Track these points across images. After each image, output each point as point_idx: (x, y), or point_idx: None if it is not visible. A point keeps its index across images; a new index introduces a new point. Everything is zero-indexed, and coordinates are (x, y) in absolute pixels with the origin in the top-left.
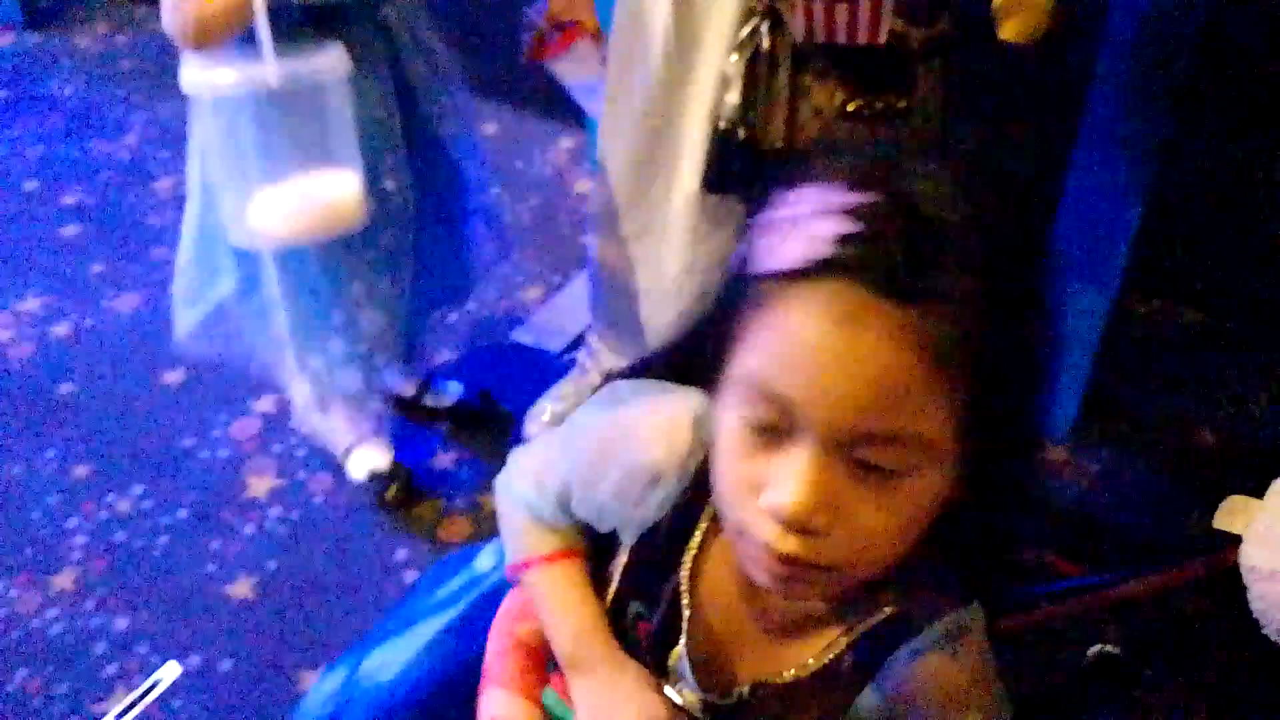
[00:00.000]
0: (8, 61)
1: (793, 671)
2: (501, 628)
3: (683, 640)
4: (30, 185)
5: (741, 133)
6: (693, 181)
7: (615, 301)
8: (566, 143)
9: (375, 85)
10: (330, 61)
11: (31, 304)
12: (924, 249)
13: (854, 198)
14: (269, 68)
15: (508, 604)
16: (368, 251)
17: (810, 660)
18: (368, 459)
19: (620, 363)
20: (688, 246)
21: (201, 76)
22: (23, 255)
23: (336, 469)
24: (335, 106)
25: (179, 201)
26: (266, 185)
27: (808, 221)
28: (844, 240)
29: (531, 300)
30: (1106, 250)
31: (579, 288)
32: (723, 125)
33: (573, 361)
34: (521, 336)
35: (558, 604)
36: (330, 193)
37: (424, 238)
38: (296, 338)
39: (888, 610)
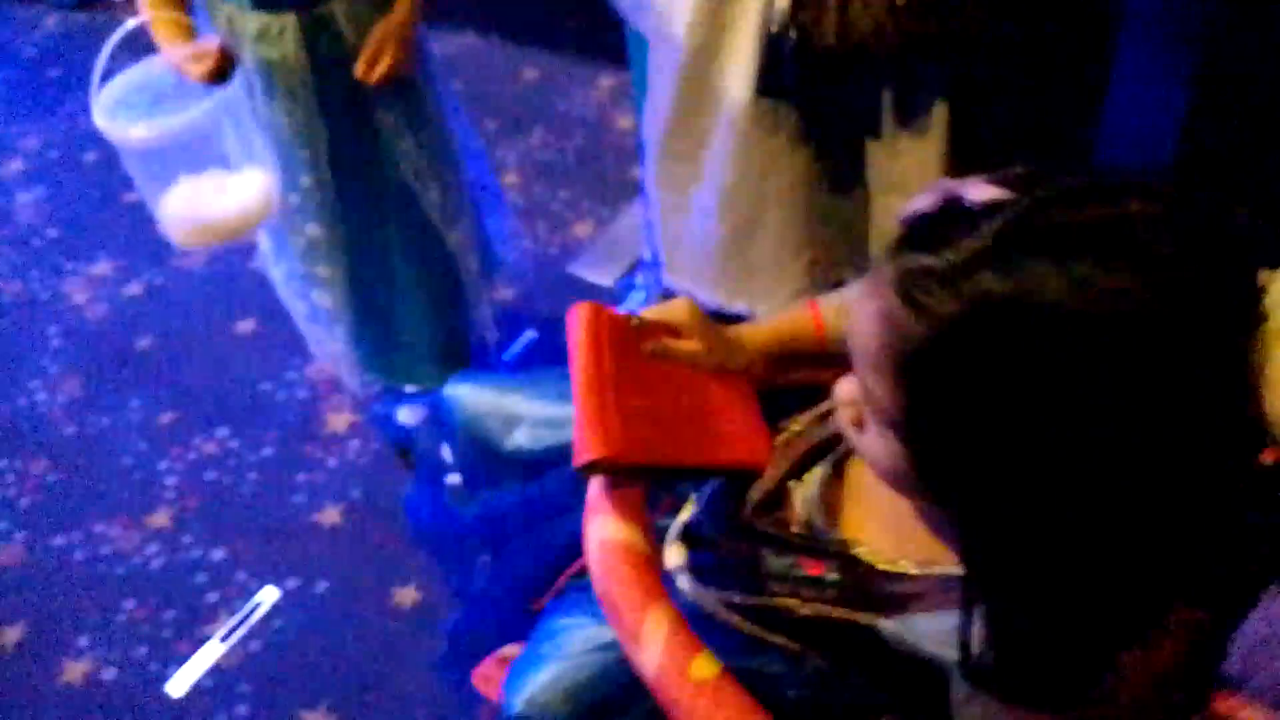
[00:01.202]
0: (57, 42)
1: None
2: None
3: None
4: (90, 157)
5: (793, 34)
6: (745, 89)
7: (672, 223)
8: (606, 82)
9: (302, 91)
10: (196, 118)
11: (103, 267)
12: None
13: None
14: (135, 130)
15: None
16: (297, 239)
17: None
18: (409, 411)
19: (677, 285)
20: (742, 155)
21: (101, 123)
22: (90, 223)
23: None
24: (217, 141)
25: None
26: (161, 199)
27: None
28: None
29: (583, 235)
30: (1155, 142)
31: (628, 219)
32: (774, 29)
33: (629, 286)
34: (577, 269)
35: None
36: (219, 203)
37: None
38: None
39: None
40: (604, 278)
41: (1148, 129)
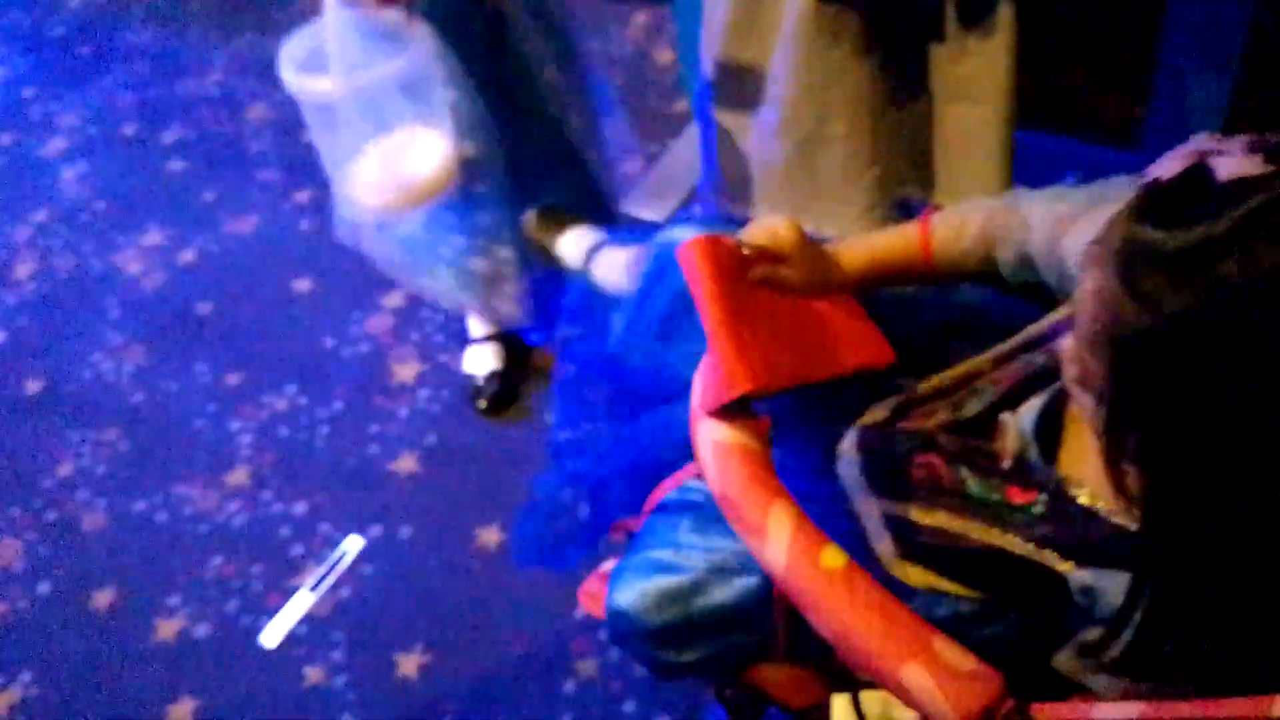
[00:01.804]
0: (83, 19)
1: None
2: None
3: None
4: (130, 129)
5: None
6: None
7: (730, 147)
8: (641, 19)
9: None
10: (396, 67)
11: (154, 237)
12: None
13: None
14: (333, 81)
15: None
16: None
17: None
18: (474, 358)
19: (737, 212)
20: (804, 66)
21: (287, 77)
22: (137, 194)
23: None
24: (412, 93)
25: (274, 126)
26: (350, 165)
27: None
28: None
29: (632, 172)
30: (1221, 39)
31: (677, 154)
32: None
33: (685, 219)
34: (628, 207)
35: None
36: (414, 166)
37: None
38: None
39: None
40: (656, 214)
41: (1212, 26)
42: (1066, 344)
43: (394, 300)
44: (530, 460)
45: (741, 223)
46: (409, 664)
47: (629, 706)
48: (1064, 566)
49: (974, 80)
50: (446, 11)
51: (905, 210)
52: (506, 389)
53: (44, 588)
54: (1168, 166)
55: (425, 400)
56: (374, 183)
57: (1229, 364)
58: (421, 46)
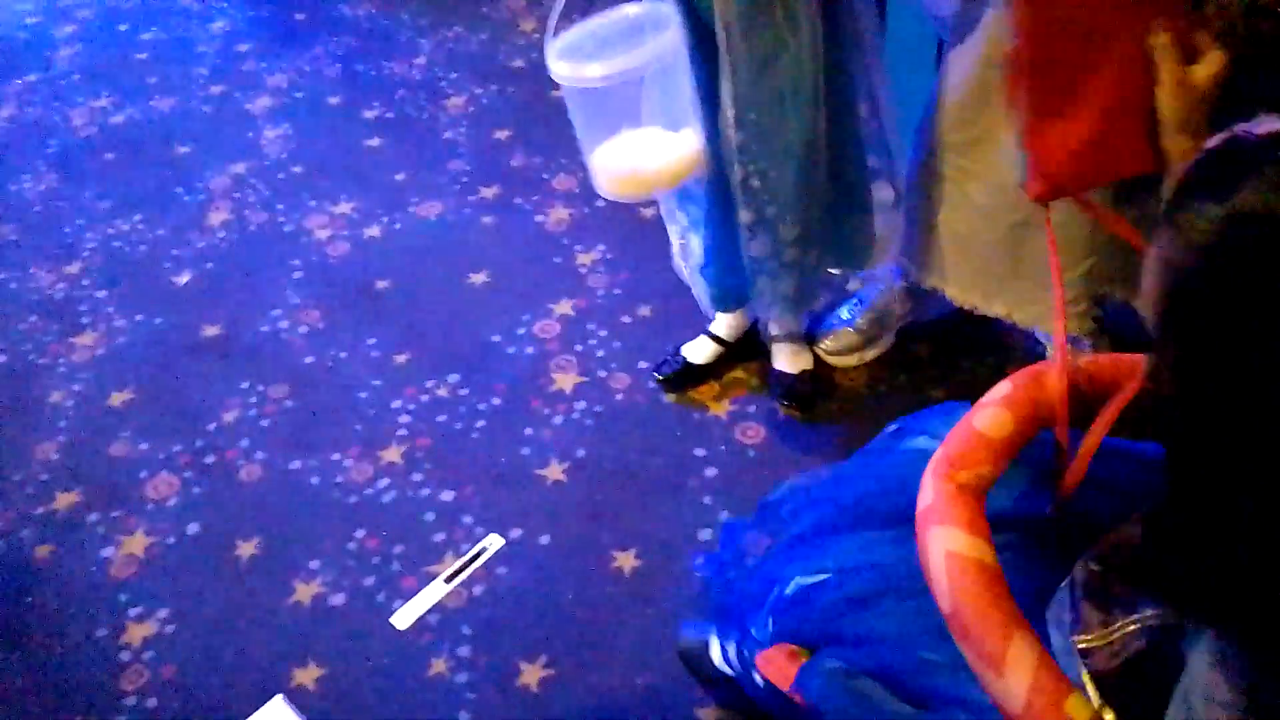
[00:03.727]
0: None
1: None
2: (939, 471)
3: None
4: (334, 100)
5: None
6: None
7: (933, 219)
8: None
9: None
10: (640, 59)
11: (344, 207)
12: None
13: None
14: (592, 68)
15: (943, 451)
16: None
17: None
18: (695, 346)
19: (927, 284)
20: None
21: (552, 66)
22: (332, 162)
23: (635, 369)
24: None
25: (470, 119)
26: (598, 149)
27: None
28: None
29: None
30: None
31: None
32: None
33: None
34: None
35: None
36: (653, 156)
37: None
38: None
39: None
40: None
41: None
42: None
43: (564, 308)
44: (671, 493)
45: None
46: (531, 674)
47: None
48: None
49: None
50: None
51: (1101, 308)
52: (693, 376)
53: (193, 528)
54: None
55: (580, 413)
56: (614, 168)
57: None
58: (674, 42)
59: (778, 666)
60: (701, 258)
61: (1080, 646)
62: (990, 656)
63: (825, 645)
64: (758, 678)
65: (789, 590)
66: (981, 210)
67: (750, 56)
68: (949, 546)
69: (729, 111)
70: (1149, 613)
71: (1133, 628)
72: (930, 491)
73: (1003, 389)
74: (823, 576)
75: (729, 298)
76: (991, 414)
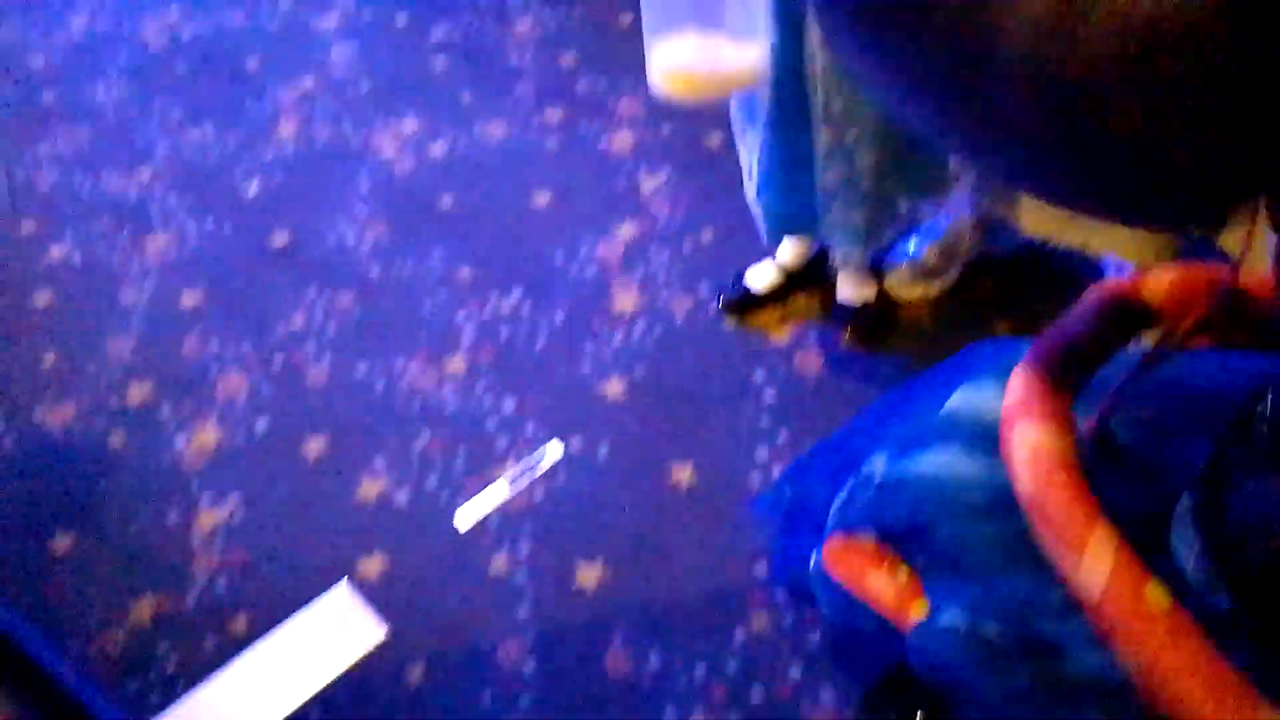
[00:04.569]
0: None
1: None
2: (1029, 369)
3: None
4: (401, 20)
5: None
6: None
7: None
8: None
9: None
10: None
11: (410, 125)
12: None
13: None
14: None
15: (1033, 351)
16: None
17: None
18: (758, 271)
19: (1028, 227)
20: None
21: None
22: (399, 82)
23: (695, 293)
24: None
25: (537, 43)
26: (660, 42)
27: None
28: None
29: None
30: None
31: None
32: None
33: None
34: None
35: None
36: (721, 58)
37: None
38: (740, 113)
39: None
40: None
41: None
42: None
43: (627, 231)
44: (728, 413)
45: None
46: (588, 575)
47: (795, 671)
48: None
49: None
50: None
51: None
52: (755, 302)
53: (261, 425)
54: None
55: (640, 333)
56: (676, 67)
57: None
58: None
59: (849, 565)
60: (759, 181)
61: None
62: (1070, 544)
63: (913, 545)
64: (825, 575)
65: (876, 472)
66: None
67: None
68: (1033, 440)
69: (815, 32)
70: None
71: None
72: (1019, 388)
73: (1092, 294)
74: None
75: (787, 224)
76: (1080, 315)
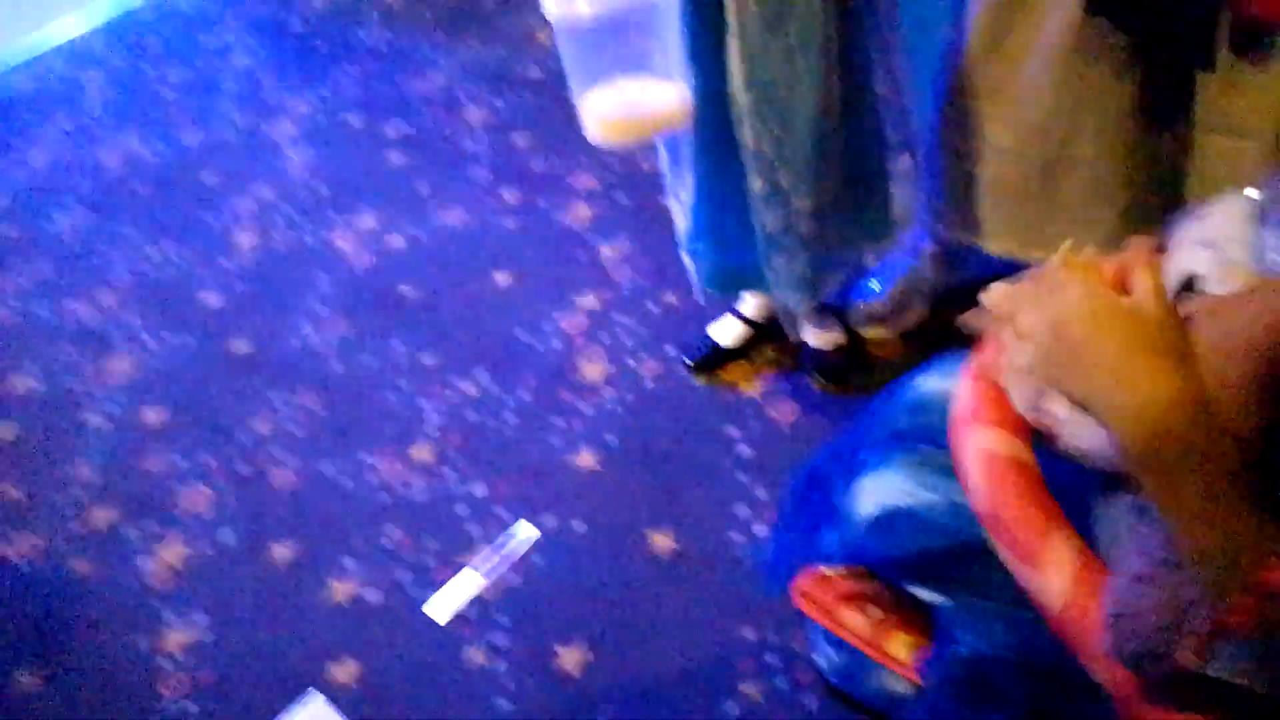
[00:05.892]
0: (320, 16)
1: None
2: (975, 374)
3: None
4: (356, 121)
5: None
6: (1076, 4)
7: (955, 170)
8: None
9: None
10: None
11: (368, 221)
12: None
13: None
14: (582, 4)
15: (977, 357)
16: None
17: None
18: (722, 327)
19: (954, 239)
20: (1060, 84)
21: (547, 4)
22: (356, 180)
23: (662, 356)
24: (653, 31)
25: (489, 130)
26: (588, 93)
27: None
28: None
29: None
30: None
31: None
32: None
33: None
34: None
35: None
36: (645, 100)
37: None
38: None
39: None
40: None
41: None
42: None
43: (590, 301)
44: (706, 474)
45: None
46: (570, 659)
47: None
48: None
49: (1245, 113)
50: None
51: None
52: (723, 358)
53: (227, 536)
54: None
55: (610, 401)
56: (604, 114)
57: None
58: None
59: (819, 600)
60: (693, 230)
61: None
62: (1028, 554)
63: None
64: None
65: (863, 509)
66: (1009, 153)
67: (761, 14)
68: (983, 445)
69: (738, 73)
70: None
71: None
72: (966, 394)
73: None
74: (908, 501)
75: (725, 279)
76: None
